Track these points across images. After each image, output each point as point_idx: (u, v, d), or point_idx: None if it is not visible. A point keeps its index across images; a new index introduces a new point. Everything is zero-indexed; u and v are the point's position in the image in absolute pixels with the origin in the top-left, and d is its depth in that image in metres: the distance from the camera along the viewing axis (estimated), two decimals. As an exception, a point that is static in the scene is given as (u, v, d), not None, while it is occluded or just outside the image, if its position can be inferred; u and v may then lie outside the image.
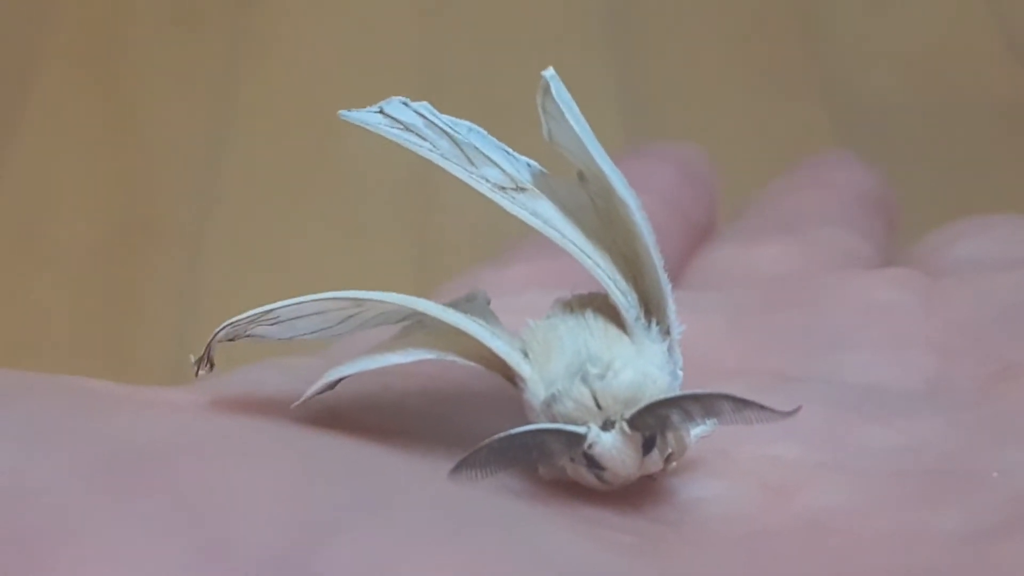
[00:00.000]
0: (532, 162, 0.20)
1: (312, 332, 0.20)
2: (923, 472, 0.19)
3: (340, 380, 0.19)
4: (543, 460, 0.17)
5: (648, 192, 0.23)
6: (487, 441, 0.17)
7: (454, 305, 0.19)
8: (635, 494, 0.18)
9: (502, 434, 0.17)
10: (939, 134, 0.50)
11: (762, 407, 0.17)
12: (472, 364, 0.18)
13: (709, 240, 0.29)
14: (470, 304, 0.20)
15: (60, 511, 0.13)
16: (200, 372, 0.19)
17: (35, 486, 0.14)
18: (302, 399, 0.19)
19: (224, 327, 0.19)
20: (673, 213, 0.28)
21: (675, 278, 0.26)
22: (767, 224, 0.29)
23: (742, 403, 0.17)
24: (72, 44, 0.55)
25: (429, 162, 0.19)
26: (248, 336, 0.20)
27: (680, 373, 0.19)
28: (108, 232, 0.47)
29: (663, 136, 0.47)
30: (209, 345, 0.19)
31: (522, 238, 0.26)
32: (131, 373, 0.41)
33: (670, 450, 0.18)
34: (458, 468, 0.17)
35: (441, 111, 0.19)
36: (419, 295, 0.18)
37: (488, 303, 0.20)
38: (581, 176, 0.20)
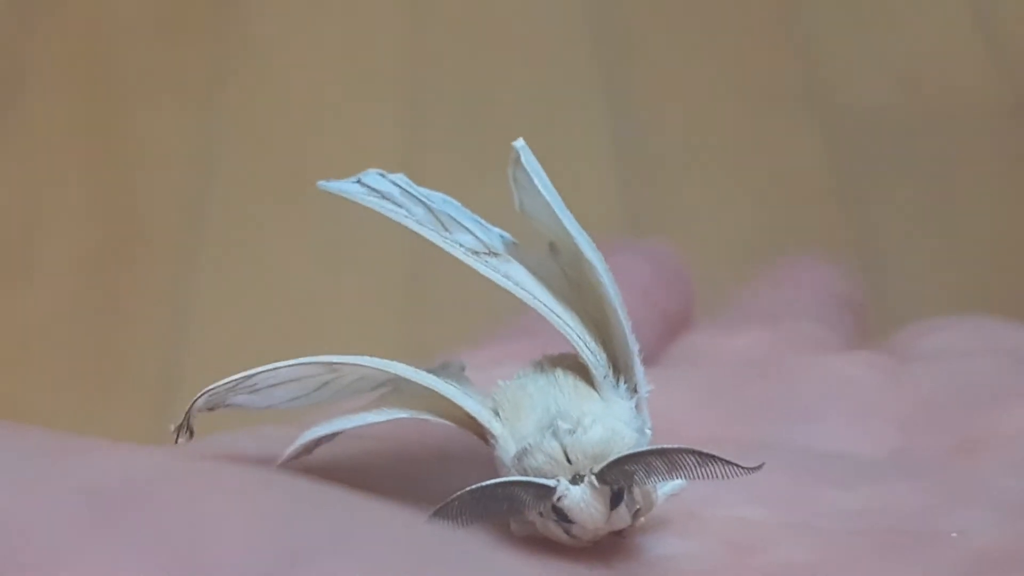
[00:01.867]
0: (505, 233, 0.20)
1: (290, 400, 0.20)
2: (884, 532, 0.19)
3: (318, 443, 0.19)
4: (514, 512, 0.18)
5: (624, 285, 0.23)
6: (459, 493, 0.17)
7: (430, 371, 0.20)
8: (605, 550, 0.18)
9: (474, 486, 0.17)
10: (923, 141, 0.50)
11: (726, 462, 0.18)
12: (445, 422, 0.19)
13: (684, 332, 0.29)
14: (445, 370, 0.20)
15: (45, 544, 0.14)
16: (180, 440, 0.20)
17: (18, 519, 0.14)
18: (280, 461, 0.19)
19: (202, 395, 0.20)
20: (649, 305, 0.29)
21: (648, 362, 0.26)
22: (740, 317, 0.29)
23: (706, 457, 0.17)
24: (58, 54, 0.55)
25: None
26: (227, 405, 0.20)
27: (648, 432, 0.19)
28: (97, 242, 0.47)
29: (649, 145, 0.47)
30: (188, 413, 0.20)
31: (496, 324, 0.26)
32: (121, 382, 0.41)
33: (638, 506, 0.18)
34: (431, 519, 0.17)
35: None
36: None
37: (463, 369, 0.20)
38: (552, 247, 0.20)
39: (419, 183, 0.20)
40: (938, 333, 0.27)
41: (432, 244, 0.19)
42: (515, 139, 0.19)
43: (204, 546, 0.14)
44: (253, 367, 0.19)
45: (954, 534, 0.19)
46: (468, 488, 0.17)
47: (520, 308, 0.20)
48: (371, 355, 0.19)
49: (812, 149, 0.49)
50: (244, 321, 0.43)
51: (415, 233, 0.20)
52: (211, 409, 0.20)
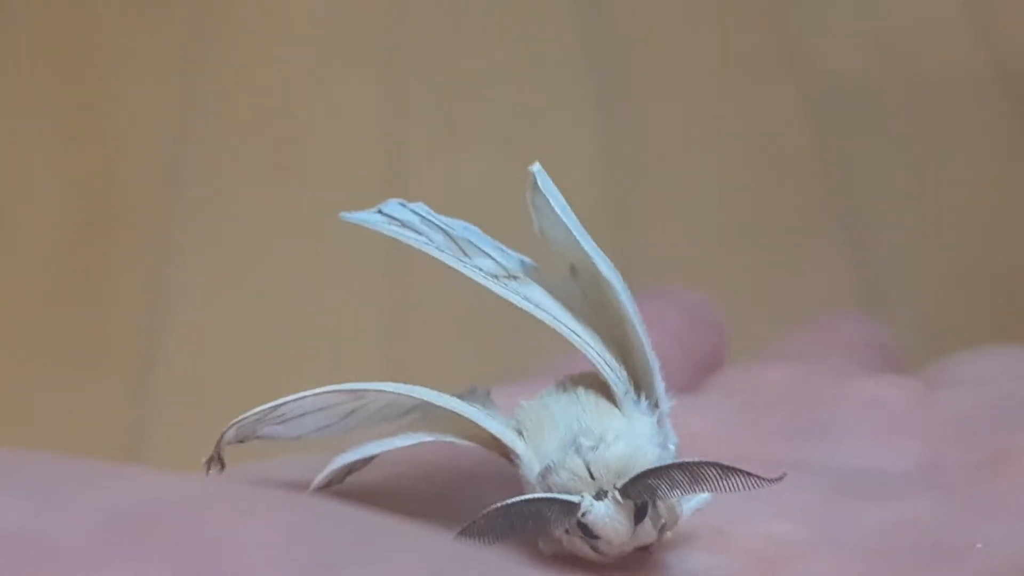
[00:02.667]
0: (525, 258, 0.21)
1: (319, 429, 0.20)
2: (910, 546, 0.19)
3: (348, 471, 0.20)
4: (539, 529, 0.18)
5: (657, 328, 0.24)
6: (485, 511, 0.17)
7: (454, 396, 0.20)
8: (632, 566, 0.19)
9: (500, 503, 0.17)
10: (905, 109, 0.50)
11: (748, 474, 0.18)
12: (471, 444, 0.19)
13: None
14: (470, 395, 0.20)
15: (73, 564, 0.14)
16: (211, 472, 0.20)
17: (47, 540, 0.14)
18: (311, 488, 0.19)
19: (231, 427, 0.20)
20: (680, 348, 0.29)
21: (680, 395, 0.26)
22: (773, 356, 0.29)
23: (728, 470, 0.18)
24: (36, 27, 0.54)
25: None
26: (258, 437, 0.20)
27: (672, 447, 0.19)
28: (75, 219, 0.47)
29: (635, 122, 0.47)
30: (218, 445, 0.20)
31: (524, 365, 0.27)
32: (99, 361, 0.41)
33: (663, 520, 0.18)
34: (458, 537, 0.17)
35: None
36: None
37: (488, 394, 0.21)
38: (572, 270, 0.20)
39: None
40: (969, 364, 0.27)
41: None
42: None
43: (230, 564, 0.14)
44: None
45: (979, 545, 0.19)
46: (494, 506, 0.17)
47: (527, 326, 0.20)
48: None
49: (795, 119, 0.49)
50: (224, 299, 0.43)
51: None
52: (241, 441, 0.20)
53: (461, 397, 0.20)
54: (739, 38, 0.54)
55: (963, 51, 0.53)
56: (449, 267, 0.20)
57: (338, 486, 0.20)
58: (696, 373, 0.29)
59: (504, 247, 0.21)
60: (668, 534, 0.19)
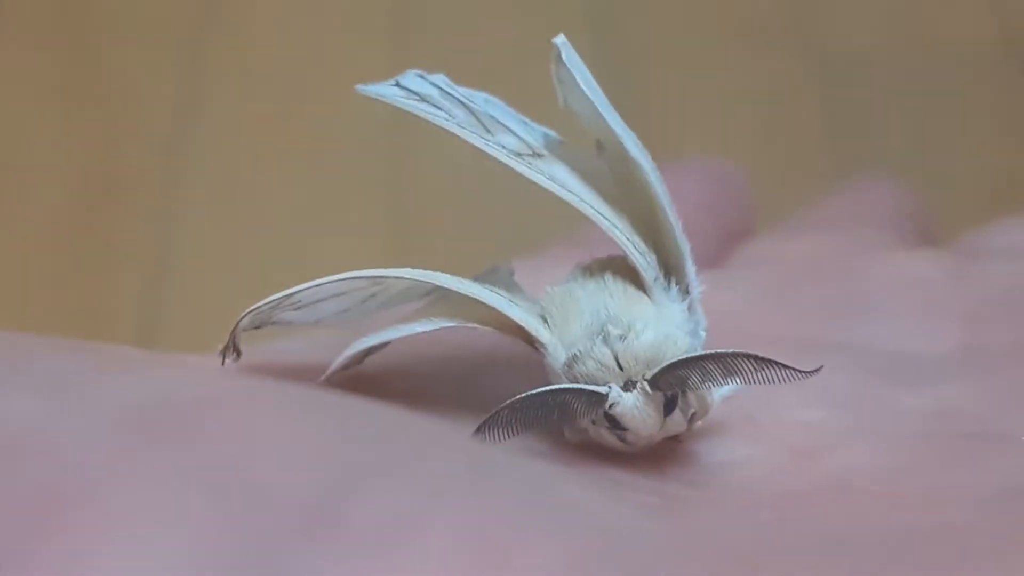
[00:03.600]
0: (549, 132, 0.20)
1: (336, 313, 0.20)
2: (950, 435, 0.18)
3: (367, 353, 0.19)
4: (565, 420, 0.17)
5: (683, 199, 0.23)
6: (509, 401, 0.17)
7: (477, 278, 0.19)
8: (661, 457, 0.18)
9: (524, 394, 0.17)
10: (912, 82, 0.49)
11: (783, 365, 0.17)
12: (494, 331, 0.18)
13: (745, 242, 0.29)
14: (493, 275, 0.20)
15: (84, 465, 0.13)
16: (227, 361, 0.19)
17: (58, 440, 0.14)
18: (329, 371, 0.19)
19: (247, 314, 0.19)
20: (708, 217, 0.28)
21: (708, 267, 0.25)
22: (801, 226, 0.29)
23: (763, 362, 0.17)
24: (36, 2, 0.54)
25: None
26: (274, 323, 0.20)
27: (703, 333, 0.18)
28: (77, 194, 0.46)
29: (640, 92, 0.46)
30: (233, 333, 0.19)
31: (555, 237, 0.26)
32: (101, 333, 0.41)
33: (693, 410, 0.18)
34: (481, 428, 0.17)
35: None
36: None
37: (512, 274, 0.20)
38: (599, 145, 0.20)
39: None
40: (1006, 232, 0.26)
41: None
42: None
43: (253, 470, 0.13)
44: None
45: (1023, 437, 0.18)
46: (518, 396, 0.17)
47: (550, 206, 0.19)
48: None
49: (801, 92, 0.48)
50: (226, 270, 0.43)
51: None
52: (258, 327, 0.20)
53: (483, 278, 0.19)
54: (748, 12, 0.53)
55: (974, 23, 0.52)
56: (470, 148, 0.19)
57: (357, 367, 0.19)
58: (725, 242, 0.28)
59: (528, 120, 0.20)
60: (698, 424, 0.18)
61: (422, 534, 0.13)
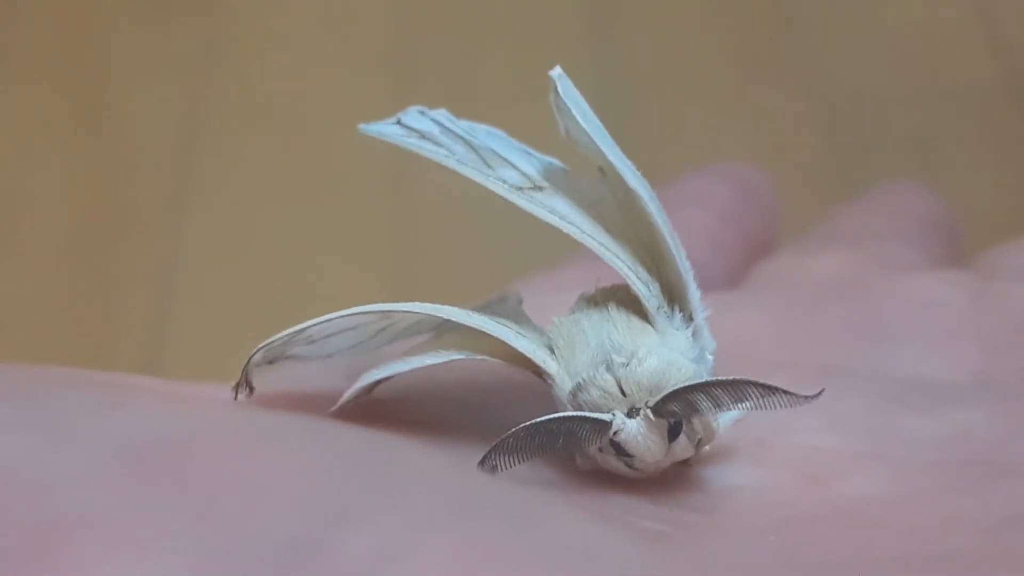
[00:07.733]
0: (553, 160, 0.20)
1: (349, 347, 0.20)
2: (962, 462, 0.18)
3: (377, 383, 0.19)
4: (571, 447, 0.17)
5: (705, 208, 0.23)
6: (514, 429, 0.17)
7: (486, 306, 0.19)
8: (670, 483, 0.18)
9: (529, 422, 0.17)
10: (915, 118, 0.49)
11: (787, 392, 0.17)
12: (502, 362, 0.18)
13: (766, 255, 0.29)
14: (501, 305, 0.20)
15: (80, 500, 0.14)
16: (239, 397, 0.19)
17: (55, 476, 0.14)
18: (339, 404, 0.19)
19: (259, 350, 0.19)
20: (730, 227, 0.28)
21: (728, 285, 0.25)
22: (826, 239, 0.29)
23: (768, 389, 0.17)
24: (43, 30, 0.54)
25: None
26: (287, 358, 0.20)
27: (710, 358, 0.19)
28: (81, 224, 0.47)
29: (640, 122, 0.47)
30: (246, 369, 0.19)
31: (572, 253, 0.26)
32: (103, 363, 0.41)
33: (699, 436, 0.18)
34: (487, 456, 0.17)
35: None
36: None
37: (520, 303, 0.20)
38: (601, 171, 0.20)
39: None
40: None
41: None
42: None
43: (239, 506, 0.14)
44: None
45: None
46: (523, 424, 0.17)
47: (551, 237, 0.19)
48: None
49: (803, 127, 0.48)
50: (229, 301, 0.43)
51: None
52: (270, 363, 0.20)
53: (491, 307, 0.20)
54: (748, 45, 0.53)
55: (974, 60, 0.52)
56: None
57: (366, 396, 0.19)
58: (746, 252, 0.28)
59: (531, 150, 0.20)
60: (706, 448, 0.18)
61: (406, 568, 0.13)
